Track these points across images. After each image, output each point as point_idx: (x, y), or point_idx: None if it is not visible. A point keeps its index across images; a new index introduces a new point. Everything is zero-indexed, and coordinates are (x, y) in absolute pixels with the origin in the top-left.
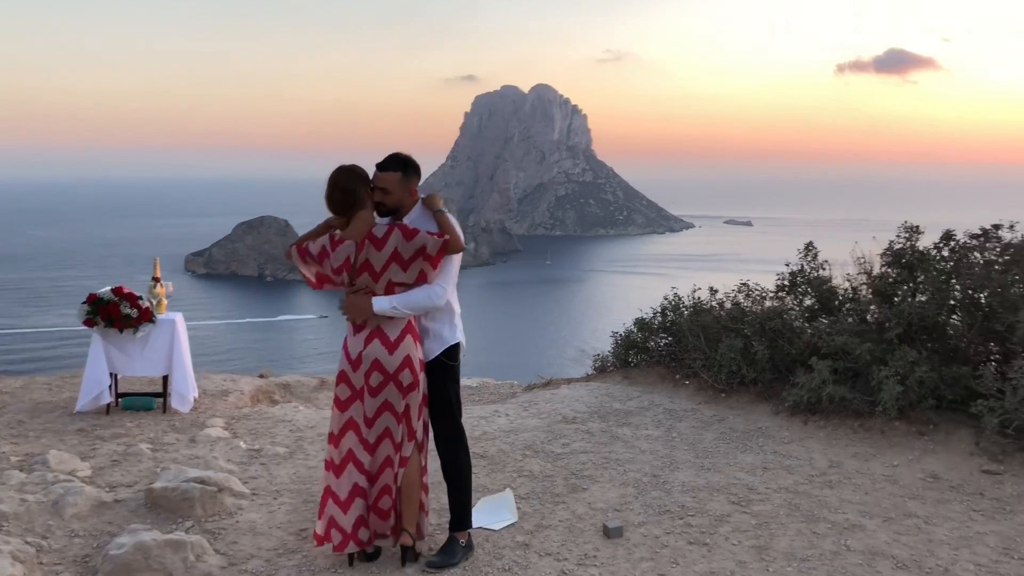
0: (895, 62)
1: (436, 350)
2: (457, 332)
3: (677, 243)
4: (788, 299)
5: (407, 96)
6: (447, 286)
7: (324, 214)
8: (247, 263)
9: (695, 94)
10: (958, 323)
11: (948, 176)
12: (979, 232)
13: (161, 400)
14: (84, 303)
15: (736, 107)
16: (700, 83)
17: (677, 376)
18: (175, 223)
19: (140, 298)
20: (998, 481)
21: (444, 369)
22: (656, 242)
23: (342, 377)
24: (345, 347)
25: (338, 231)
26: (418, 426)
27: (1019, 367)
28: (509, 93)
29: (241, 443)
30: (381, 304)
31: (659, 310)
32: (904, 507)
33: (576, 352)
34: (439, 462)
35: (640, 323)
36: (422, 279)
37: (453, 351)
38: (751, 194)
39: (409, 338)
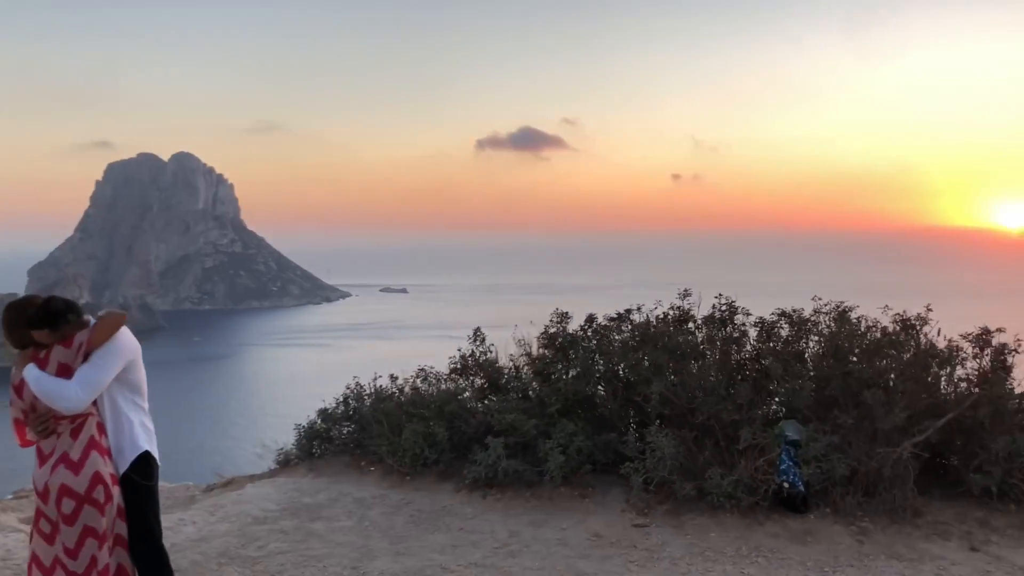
0: (528, 140)
1: (121, 466)
2: (140, 443)
3: (335, 313)
4: (461, 381)
5: (28, 163)
6: (85, 393)
7: None
8: None
9: (350, 164)
10: (604, 395)
11: (577, 243)
12: (616, 315)
13: None
14: None
15: (388, 178)
16: (355, 154)
17: (362, 463)
18: None
19: None
20: (646, 533)
21: (136, 489)
22: (313, 312)
23: (38, 513)
24: (32, 480)
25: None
26: (108, 543)
27: (655, 431)
28: (147, 161)
29: None
30: (29, 371)
31: (341, 399)
32: (576, 567)
33: (258, 447)
34: None
35: (323, 413)
36: None
37: (143, 467)
38: (405, 262)
39: (95, 454)
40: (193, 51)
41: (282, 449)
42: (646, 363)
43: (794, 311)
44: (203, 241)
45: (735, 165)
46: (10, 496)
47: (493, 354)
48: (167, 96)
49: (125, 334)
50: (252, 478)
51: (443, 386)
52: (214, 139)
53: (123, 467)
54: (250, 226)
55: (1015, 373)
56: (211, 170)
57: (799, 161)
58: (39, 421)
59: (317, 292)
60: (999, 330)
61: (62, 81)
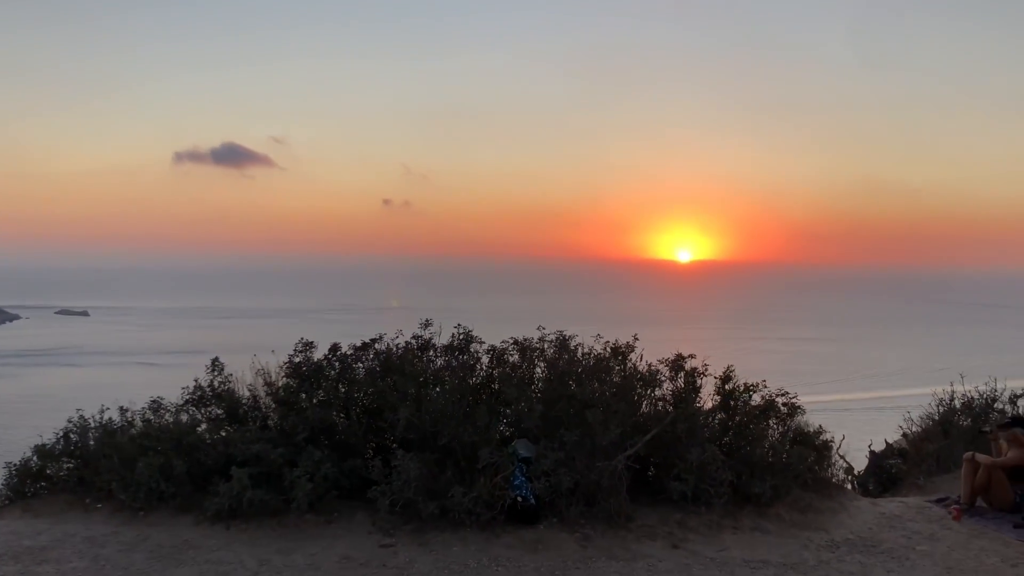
0: (231, 156)
1: None
2: None
3: (2, 337)
4: (197, 412)
5: None
6: None
7: None
8: None
9: (23, 173)
10: (349, 422)
11: (283, 265)
12: (360, 345)
13: None
14: None
15: (68, 189)
16: (30, 162)
17: (88, 501)
18: None
19: None
20: (393, 552)
21: None
22: None
23: None
24: None
25: None
26: None
27: (400, 456)
28: None
29: None
30: None
31: (62, 434)
32: None
33: None
34: None
35: (40, 450)
36: None
37: None
38: (87, 282)
39: None
40: None
41: None
42: (391, 392)
43: (525, 339)
44: None
45: (443, 193)
46: None
47: (232, 384)
48: None
49: None
50: None
51: (180, 417)
52: None
53: None
54: None
55: (703, 392)
56: None
57: (503, 191)
58: None
59: None
60: (691, 356)
61: None
